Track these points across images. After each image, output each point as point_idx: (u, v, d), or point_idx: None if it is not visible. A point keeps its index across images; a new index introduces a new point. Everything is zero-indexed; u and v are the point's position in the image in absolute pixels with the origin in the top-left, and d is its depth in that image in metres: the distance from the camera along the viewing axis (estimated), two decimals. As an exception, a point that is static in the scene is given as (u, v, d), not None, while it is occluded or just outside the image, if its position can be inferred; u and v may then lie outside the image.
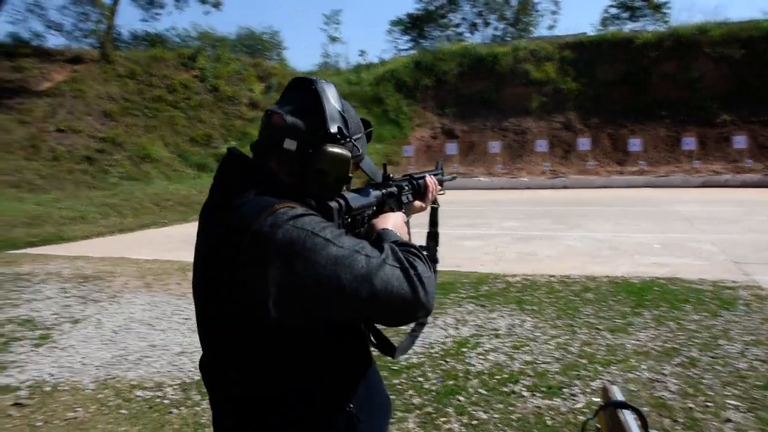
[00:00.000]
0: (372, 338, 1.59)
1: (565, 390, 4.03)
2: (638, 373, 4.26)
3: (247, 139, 22.76)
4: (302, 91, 1.32)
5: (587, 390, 4.01)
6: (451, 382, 4.24)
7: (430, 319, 5.75)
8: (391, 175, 1.68)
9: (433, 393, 4.09)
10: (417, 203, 1.85)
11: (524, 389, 4.07)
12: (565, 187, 20.91)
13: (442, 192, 2.11)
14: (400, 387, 4.20)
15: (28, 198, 15.99)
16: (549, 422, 3.59)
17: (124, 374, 4.51)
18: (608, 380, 4.17)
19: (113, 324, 5.86)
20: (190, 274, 1.32)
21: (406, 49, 39.63)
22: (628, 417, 1.72)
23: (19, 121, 19.77)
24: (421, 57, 30.00)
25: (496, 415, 3.71)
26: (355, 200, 1.39)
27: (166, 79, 25.19)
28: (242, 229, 1.15)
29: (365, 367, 1.39)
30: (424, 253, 1.31)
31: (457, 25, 39.87)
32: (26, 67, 22.89)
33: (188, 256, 1.61)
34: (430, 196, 1.89)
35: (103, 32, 26.35)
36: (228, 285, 1.16)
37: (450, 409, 3.82)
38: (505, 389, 4.09)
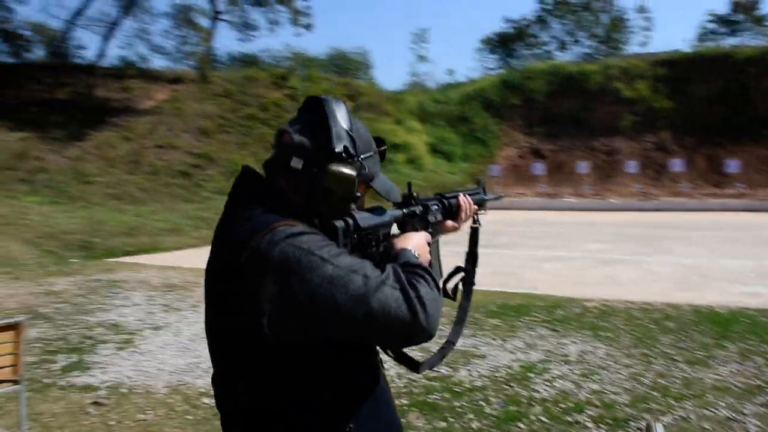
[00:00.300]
0: (390, 354, 1.59)
1: (632, 423, 3.86)
2: (715, 410, 4.02)
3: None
4: (311, 110, 1.33)
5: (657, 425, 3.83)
6: (513, 408, 4.16)
7: (499, 341, 5.67)
8: (416, 195, 1.65)
9: (494, 418, 4.02)
10: (449, 223, 1.80)
11: (588, 420, 3.94)
12: (655, 210, 20.04)
13: (483, 212, 2.06)
14: (460, 410, 4.16)
15: (128, 209, 16.96)
16: (611, 456, 3.46)
17: (194, 381, 4.71)
18: (680, 417, 3.97)
19: (191, 332, 6.12)
20: None
21: (493, 68, 39.38)
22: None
23: (124, 138, 21.04)
24: (509, 75, 29.73)
25: None
26: (365, 220, 1.36)
27: (259, 97, 26.10)
28: (242, 245, 1.18)
29: (369, 383, 1.36)
30: (433, 275, 1.29)
31: (546, 43, 39.26)
32: (132, 87, 24.37)
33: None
34: (463, 216, 1.83)
35: (201, 54, 27.72)
36: (231, 299, 1.20)
37: (509, 436, 3.76)
38: (569, 418, 3.97)
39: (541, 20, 38.74)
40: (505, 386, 4.58)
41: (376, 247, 1.42)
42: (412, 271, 1.26)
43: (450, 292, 1.93)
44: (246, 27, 29.45)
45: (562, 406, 4.18)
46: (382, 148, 1.46)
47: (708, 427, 3.78)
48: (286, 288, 1.14)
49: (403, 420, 3.98)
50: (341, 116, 1.32)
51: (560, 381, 4.64)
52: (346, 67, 38.74)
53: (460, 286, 1.93)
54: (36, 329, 6.33)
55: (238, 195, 1.33)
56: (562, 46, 38.77)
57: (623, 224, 16.13)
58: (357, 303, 1.13)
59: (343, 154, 1.28)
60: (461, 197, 1.84)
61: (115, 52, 71.11)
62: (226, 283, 1.22)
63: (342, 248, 1.24)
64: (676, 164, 22.04)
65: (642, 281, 8.40)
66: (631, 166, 22.49)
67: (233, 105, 25.14)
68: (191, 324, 6.44)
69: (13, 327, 3.41)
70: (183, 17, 28.84)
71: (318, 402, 1.25)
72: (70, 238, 13.13)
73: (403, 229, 1.57)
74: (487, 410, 4.15)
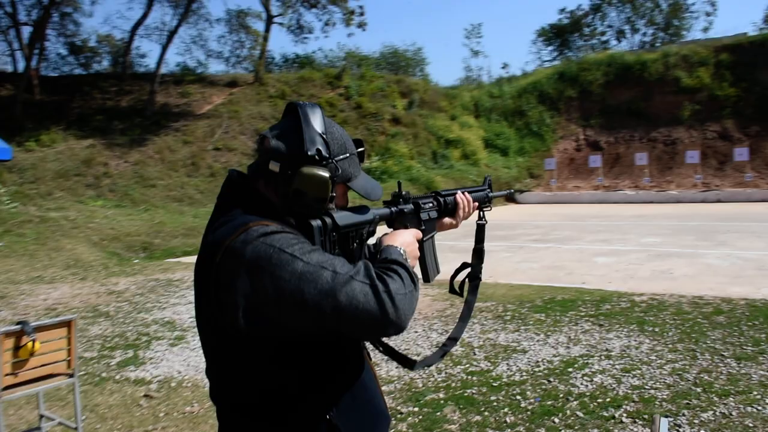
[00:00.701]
0: (380, 348, 1.65)
1: (670, 419, 3.80)
2: (759, 408, 3.92)
3: (389, 154, 23.34)
4: (288, 116, 1.41)
5: (695, 421, 3.76)
6: (549, 403, 4.16)
7: (542, 336, 5.65)
8: (405, 193, 1.68)
9: (529, 412, 4.03)
10: (446, 220, 1.85)
11: (625, 415, 3.90)
12: (717, 201, 19.35)
13: (488, 207, 2.09)
14: (496, 404, 4.19)
15: (187, 211, 17.54)
16: (645, 451, 3.43)
17: (239, 376, 4.88)
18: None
19: (240, 329, 6.32)
20: None
21: (549, 60, 38.73)
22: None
23: (183, 142, 21.72)
24: (565, 67, 29.19)
25: None
26: (344, 218, 1.41)
27: (313, 97, 26.45)
28: (218, 245, 1.27)
29: (350, 376, 1.41)
30: (410, 271, 1.33)
31: (603, 33, 38.32)
32: (191, 92, 25.12)
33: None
34: (461, 213, 1.87)
35: (256, 57, 28.28)
36: (212, 296, 1.27)
37: (542, 430, 3.76)
38: (605, 414, 3.94)
39: (597, 10, 37.85)
40: (544, 381, 4.57)
41: (359, 245, 1.48)
42: (387, 266, 1.30)
43: (457, 288, 1.97)
44: (300, 29, 29.88)
45: (600, 401, 4.15)
46: (360, 149, 1.50)
47: (750, 425, 3.68)
48: (258, 284, 1.21)
49: (438, 414, 4.06)
50: (315, 120, 1.37)
51: (600, 376, 4.60)
52: (400, 64, 38.83)
53: (467, 282, 1.97)
54: (97, 327, 6.68)
55: (222, 198, 1.41)
56: (620, 35, 37.78)
57: (682, 217, 15.65)
58: (325, 297, 1.18)
59: (316, 157, 1.34)
60: (458, 195, 1.87)
61: (173, 59, 73.28)
62: (207, 282, 1.29)
63: (316, 246, 1.29)
64: (741, 153, 21.16)
65: (697, 275, 8.16)
66: (692, 156, 21.73)
67: (288, 106, 25.57)
68: (241, 321, 6.65)
69: (66, 324, 3.65)
70: (237, 22, 29.50)
71: (296, 395, 1.31)
72: (133, 240, 13.70)
73: (393, 226, 1.62)
74: (523, 405, 4.16)
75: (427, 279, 1.75)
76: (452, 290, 1.97)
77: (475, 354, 5.31)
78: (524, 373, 4.76)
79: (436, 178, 22.05)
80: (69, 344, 3.65)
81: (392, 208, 1.63)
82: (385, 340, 1.65)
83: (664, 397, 4.15)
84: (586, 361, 4.94)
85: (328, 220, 1.37)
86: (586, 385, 4.44)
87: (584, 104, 26.53)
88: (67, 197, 17.04)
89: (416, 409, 4.18)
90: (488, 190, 2.10)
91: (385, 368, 5.02)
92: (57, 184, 17.57)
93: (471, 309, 1.91)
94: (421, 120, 26.70)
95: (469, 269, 1.95)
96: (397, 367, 5.04)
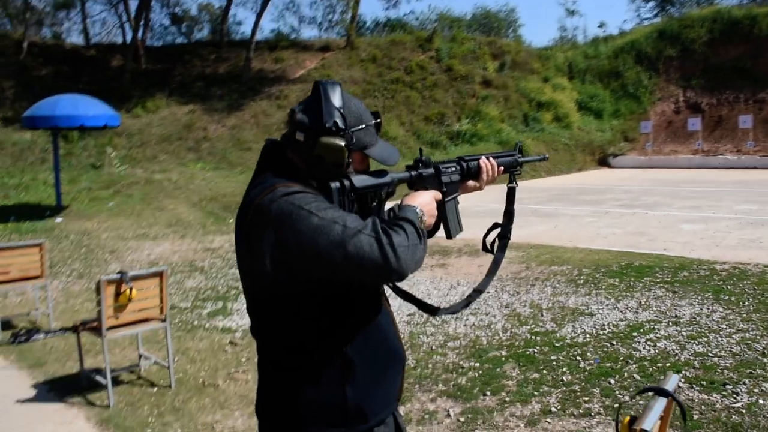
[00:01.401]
0: (400, 295, 1.86)
1: (728, 387, 3.82)
2: (827, 378, 3.88)
3: (479, 117, 23.13)
4: (313, 93, 1.63)
5: (755, 390, 3.76)
6: (608, 365, 4.27)
7: (612, 301, 5.70)
8: (425, 158, 1.84)
9: (586, 373, 4.16)
10: (470, 183, 1.99)
11: (683, 380, 3.96)
12: (832, 167, 18.06)
13: (518, 172, 2.23)
14: (555, 363, 4.34)
15: (280, 173, 18.23)
16: (696, 416, 3.50)
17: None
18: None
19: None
20: None
21: (649, 18, 36.66)
22: (657, 405, 1.72)
23: (278, 106, 22.42)
24: (665, 25, 27.63)
25: (641, 401, 3.69)
26: (361, 181, 1.61)
27: (404, 61, 26.48)
28: (250, 204, 1.52)
29: (356, 321, 1.61)
30: (418, 227, 1.53)
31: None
32: (284, 58, 25.76)
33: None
34: (484, 177, 2.01)
35: (348, 22, 28.55)
36: (245, 248, 1.53)
37: (597, 390, 3.89)
38: (662, 377, 4.00)
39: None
40: (606, 344, 4.67)
41: (378, 204, 1.69)
42: (395, 223, 1.51)
43: (488, 246, 2.15)
44: (391, -7, 29.84)
45: (659, 365, 4.22)
46: (377, 121, 1.70)
47: (815, 395, 3.67)
48: (281, 237, 1.45)
49: (498, 370, 4.25)
50: (334, 97, 1.59)
51: (664, 341, 4.64)
52: (492, 25, 38.05)
53: (497, 240, 2.14)
54: (192, 280, 7.28)
55: (259, 163, 1.66)
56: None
57: (787, 183, 14.78)
58: (336, 247, 1.40)
59: (333, 128, 1.55)
60: (482, 160, 2.02)
61: (268, 26, 74.76)
62: (241, 239, 1.56)
63: (333, 204, 1.51)
64: None
65: (790, 245, 7.84)
66: (806, 118, 20.28)
67: (379, 69, 25.73)
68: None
69: (158, 275, 4.10)
70: (329, -13, 29.78)
71: (313, 346, 1.56)
72: (229, 201, 14.45)
73: (413, 188, 1.82)
74: (582, 365, 4.29)
75: (449, 236, 1.93)
76: (484, 248, 2.13)
77: (542, 315, 5.44)
78: (588, 336, 4.87)
79: (527, 141, 21.65)
80: (161, 293, 4.10)
81: (411, 172, 1.81)
82: (409, 290, 1.86)
83: (727, 365, 4.16)
84: (652, 327, 4.97)
85: (346, 182, 1.58)
86: (648, 350, 4.50)
87: (685, 64, 25.11)
88: (170, 160, 18.11)
89: (477, 364, 4.40)
90: (518, 155, 2.23)
91: (453, 325, 5.26)
92: (161, 147, 18.69)
93: (498, 265, 2.07)
94: (512, 82, 26.18)
95: (499, 229, 2.12)
96: (464, 325, 5.26)
